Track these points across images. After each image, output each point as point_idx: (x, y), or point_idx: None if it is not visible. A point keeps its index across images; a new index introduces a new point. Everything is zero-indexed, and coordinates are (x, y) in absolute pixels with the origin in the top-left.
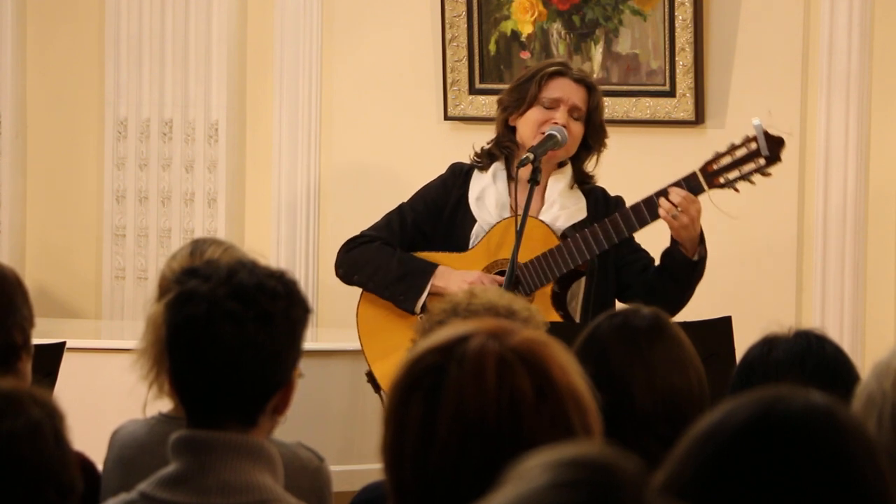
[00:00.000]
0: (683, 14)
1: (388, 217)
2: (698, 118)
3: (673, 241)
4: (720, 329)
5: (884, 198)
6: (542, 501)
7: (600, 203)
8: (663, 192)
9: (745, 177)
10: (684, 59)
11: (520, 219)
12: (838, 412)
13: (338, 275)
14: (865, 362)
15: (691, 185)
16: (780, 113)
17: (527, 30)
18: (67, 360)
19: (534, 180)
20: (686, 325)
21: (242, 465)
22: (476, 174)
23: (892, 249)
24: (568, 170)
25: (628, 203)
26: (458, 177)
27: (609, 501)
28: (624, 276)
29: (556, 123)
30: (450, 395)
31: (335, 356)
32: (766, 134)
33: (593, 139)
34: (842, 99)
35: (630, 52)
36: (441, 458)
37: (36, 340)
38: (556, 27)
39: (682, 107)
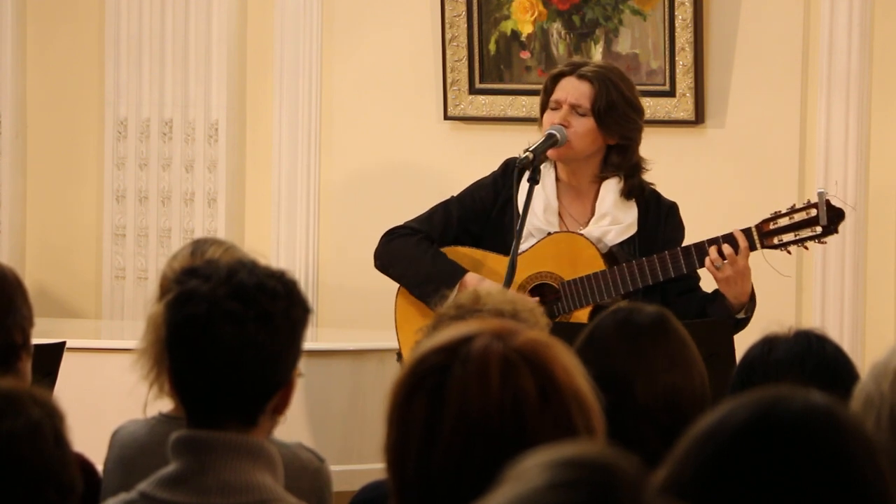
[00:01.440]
0: (683, 14)
1: (433, 210)
2: (698, 118)
3: (718, 291)
4: (720, 329)
5: (884, 198)
6: (541, 501)
7: (651, 211)
8: (715, 241)
9: (799, 241)
10: (684, 59)
11: (563, 228)
12: (838, 412)
13: (376, 265)
14: (865, 362)
15: (744, 238)
16: (780, 113)
17: (527, 30)
18: (67, 360)
19: (532, 179)
20: (686, 325)
21: (242, 465)
22: (527, 175)
23: (892, 249)
24: (619, 178)
25: (675, 199)
26: (509, 176)
27: (607, 501)
28: (665, 291)
29: (555, 123)
30: (453, 395)
31: (335, 356)
32: (827, 203)
33: (612, 132)
34: (842, 99)
35: (630, 52)
36: (444, 458)
37: (36, 340)
38: (556, 27)
39: (682, 107)
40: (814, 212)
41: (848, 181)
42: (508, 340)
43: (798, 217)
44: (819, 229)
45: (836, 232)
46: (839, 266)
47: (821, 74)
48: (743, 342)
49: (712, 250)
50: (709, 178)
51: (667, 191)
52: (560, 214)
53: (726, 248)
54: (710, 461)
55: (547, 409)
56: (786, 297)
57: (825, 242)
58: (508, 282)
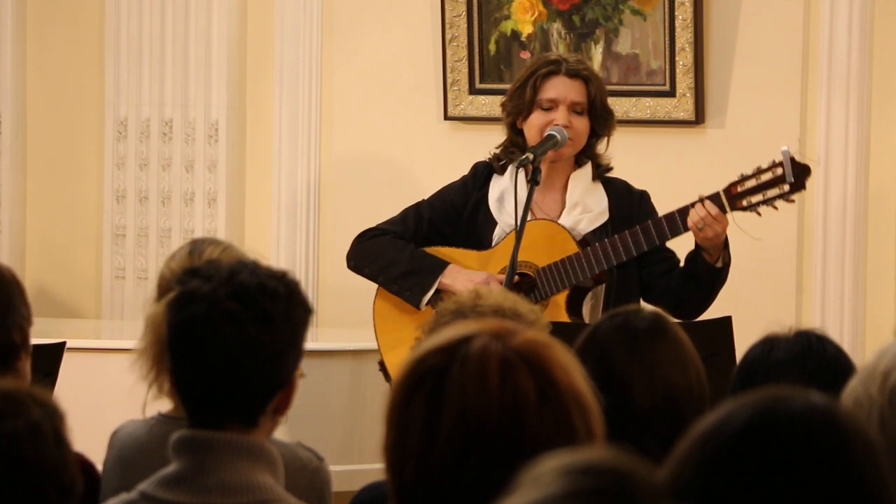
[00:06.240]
0: (683, 14)
1: (405, 212)
2: (698, 118)
3: (697, 246)
4: (720, 329)
5: (884, 198)
6: None
7: (622, 199)
8: (685, 210)
9: (768, 201)
10: (684, 59)
11: (535, 219)
12: (838, 412)
13: (349, 266)
14: (865, 362)
15: (714, 204)
16: (780, 113)
17: (527, 30)
18: (67, 360)
19: (533, 180)
20: (686, 325)
21: (243, 465)
22: (496, 175)
23: (892, 249)
24: (588, 168)
25: (653, 198)
26: (479, 178)
27: None
28: (646, 276)
29: (556, 125)
30: (452, 395)
31: (335, 356)
32: (792, 161)
33: (600, 126)
34: (842, 99)
35: (630, 52)
36: (443, 458)
37: (36, 340)
38: (556, 27)
39: (682, 107)
40: (780, 170)
41: (848, 181)
42: (507, 341)
43: (765, 177)
44: (787, 187)
45: (804, 188)
46: (839, 266)
47: (821, 74)
48: (743, 342)
49: (692, 212)
50: (709, 178)
51: (667, 191)
52: (532, 210)
53: (702, 211)
54: (710, 462)
55: (546, 409)
56: (786, 297)
57: (793, 201)
58: (509, 282)
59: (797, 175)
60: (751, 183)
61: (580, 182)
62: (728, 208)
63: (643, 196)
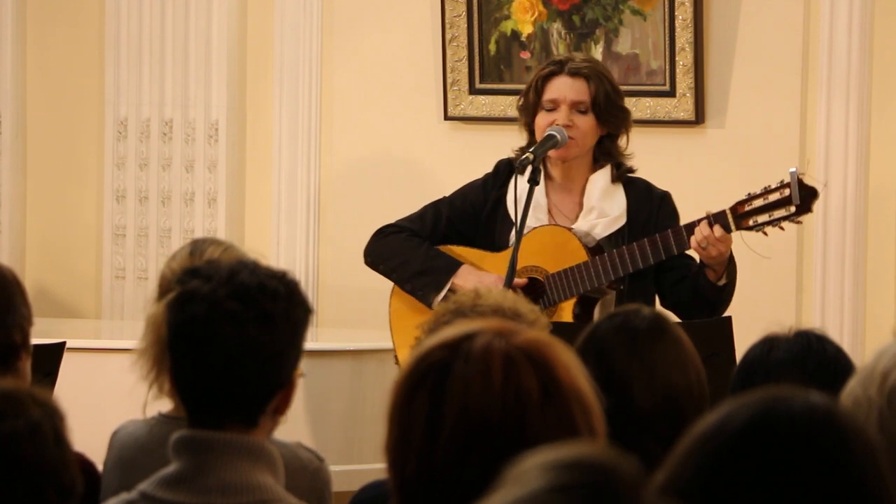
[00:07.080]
0: (683, 14)
1: (424, 210)
2: (698, 118)
3: (702, 262)
4: (720, 329)
5: (884, 198)
6: None
7: (642, 202)
8: (692, 225)
9: (774, 222)
10: (684, 59)
11: (547, 224)
12: (838, 413)
13: (366, 262)
14: (865, 362)
15: (720, 223)
16: (780, 113)
17: (527, 30)
18: (67, 360)
19: (532, 181)
20: (686, 325)
21: (243, 465)
22: (527, 175)
23: (892, 249)
24: (607, 170)
25: (676, 199)
26: (500, 176)
27: None
28: (661, 282)
29: (557, 125)
30: (455, 392)
31: (335, 356)
32: (800, 183)
33: (610, 124)
34: (842, 99)
35: (630, 52)
36: (445, 455)
37: (36, 340)
38: (556, 27)
39: (682, 107)
40: (787, 192)
41: (848, 181)
42: (511, 338)
43: (772, 197)
44: (793, 209)
45: (811, 211)
46: (839, 266)
47: (821, 74)
48: (743, 342)
49: (697, 231)
50: (709, 178)
51: (667, 190)
52: (549, 211)
53: (705, 230)
54: (710, 462)
55: (549, 407)
56: (786, 297)
57: (800, 222)
58: (509, 282)
59: (804, 197)
60: (758, 202)
61: (598, 184)
62: (734, 227)
63: (664, 197)
